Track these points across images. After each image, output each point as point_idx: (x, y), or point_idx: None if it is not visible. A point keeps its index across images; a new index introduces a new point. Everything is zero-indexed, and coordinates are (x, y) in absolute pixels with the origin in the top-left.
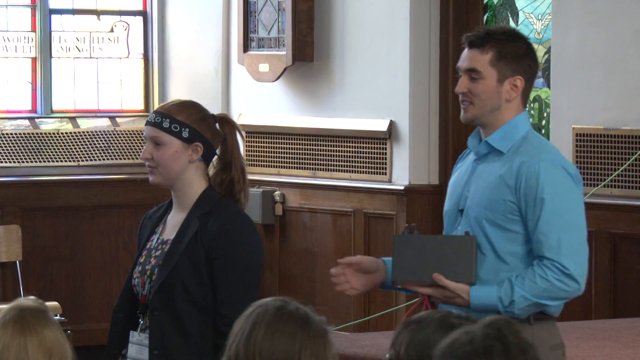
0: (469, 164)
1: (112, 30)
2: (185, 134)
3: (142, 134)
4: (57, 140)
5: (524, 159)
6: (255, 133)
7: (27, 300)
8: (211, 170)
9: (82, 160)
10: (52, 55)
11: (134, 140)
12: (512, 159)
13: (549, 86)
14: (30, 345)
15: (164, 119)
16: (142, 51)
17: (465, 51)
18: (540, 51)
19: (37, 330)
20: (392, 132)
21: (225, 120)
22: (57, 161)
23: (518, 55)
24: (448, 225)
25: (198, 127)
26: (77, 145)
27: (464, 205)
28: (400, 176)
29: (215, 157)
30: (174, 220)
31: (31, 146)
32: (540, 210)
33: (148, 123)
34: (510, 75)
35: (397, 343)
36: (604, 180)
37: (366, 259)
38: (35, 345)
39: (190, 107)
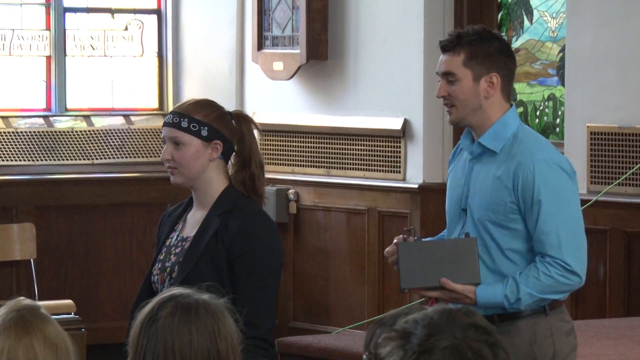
0: (464, 163)
1: (126, 29)
2: (204, 133)
3: (157, 132)
4: (72, 138)
5: (520, 160)
6: (269, 131)
7: (19, 301)
8: (230, 170)
9: (97, 159)
10: (67, 53)
11: (148, 138)
12: (507, 160)
13: (563, 85)
14: (36, 343)
15: (182, 119)
16: (156, 49)
17: (441, 56)
18: (554, 50)
19: (40, 327)
20: (406, 130)
21: (241, 117)
22: (72, 159)
23: (490, 53)
24: (451, 224)
25: (216, 125)
26: (92, 143)
27: (465, 205)
28: (414, 174)
29: (233, 154)
30: (194, 218)
31: (45, 144)
32: (539, 210)
33: (166, 124)
34: (485, 73)
35: (374, 345)
36: (618, 178)
37: None
38: (41, 342)
39: (208, 106)
